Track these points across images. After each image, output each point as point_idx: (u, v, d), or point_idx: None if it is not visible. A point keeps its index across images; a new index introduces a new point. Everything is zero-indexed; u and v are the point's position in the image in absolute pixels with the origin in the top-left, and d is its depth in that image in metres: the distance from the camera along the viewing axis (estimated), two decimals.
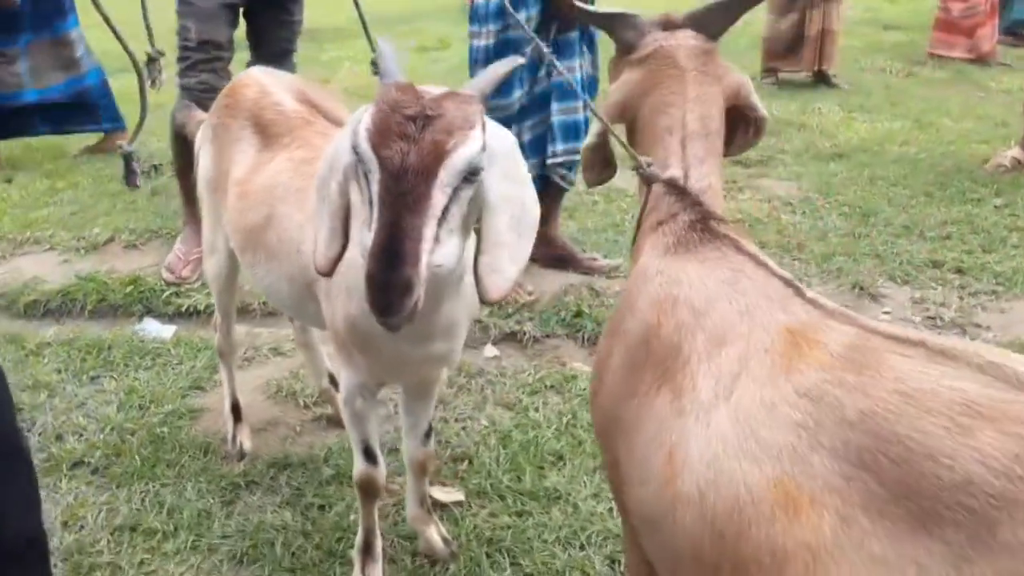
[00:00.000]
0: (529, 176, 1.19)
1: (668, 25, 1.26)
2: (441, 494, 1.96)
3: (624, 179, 3.67)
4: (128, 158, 1.86)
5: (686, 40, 1.23)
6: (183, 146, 2.57)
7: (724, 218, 1.15)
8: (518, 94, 2.69)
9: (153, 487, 1.98)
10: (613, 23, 1.25)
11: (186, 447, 2.12)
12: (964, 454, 0.72)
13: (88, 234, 3.30)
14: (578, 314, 2.73)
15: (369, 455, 1.61)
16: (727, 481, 0.85)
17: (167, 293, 2.86)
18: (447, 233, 1.04)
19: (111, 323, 2.77)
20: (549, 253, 3.04)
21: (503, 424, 2.21)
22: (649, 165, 1.18)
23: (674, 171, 1.18)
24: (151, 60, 1.89)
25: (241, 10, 2.87)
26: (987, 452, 0.72)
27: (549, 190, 2.94)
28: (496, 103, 2.58)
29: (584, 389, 2.27)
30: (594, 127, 1.26)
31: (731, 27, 1.27)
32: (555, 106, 2.76)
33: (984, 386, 0.76)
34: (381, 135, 1.01)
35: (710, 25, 1.24)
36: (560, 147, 2.78)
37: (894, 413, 0.78)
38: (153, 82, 1.89)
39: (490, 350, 2.66)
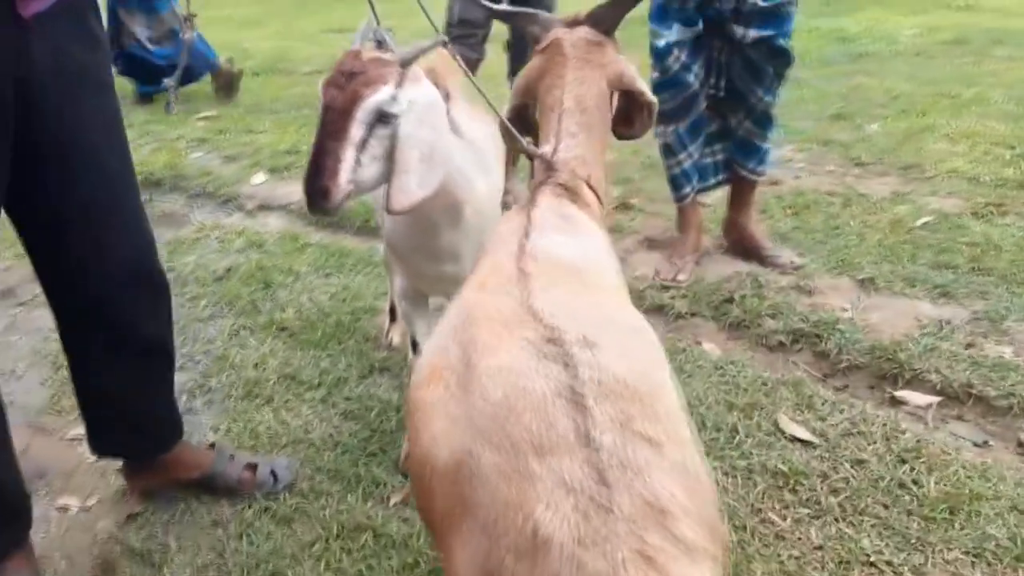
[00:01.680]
0: (444, 124, 1.52)
1: (571, 23, 1.48)
2: None
3: (866, 184, 3.60)
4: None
5: (577, 33, 1.44)
6: None
7: (573, 183, 1.35)
8: (692, 79, 2.82)
9: (320, 354, 2.63)
10: (523, 21, 1.50)
11: (356, 332, 2.74)
12: (501, 345, 0.96)
13: None
14: (729, 299, 2.83)
15: (415, 347, 2.04)
16: (424, 365, 1.14)
17: None
18: (369, 159, 1.43)
19: (364, 240, 3.52)
20: (738, 242, 3.14)
21: None
22: (529, 143, 1.45)
23: (546, 145, 1.42)
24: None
25: None
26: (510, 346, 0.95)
27: (739, 183, 3.05)
28: (664, 95, 2.79)
29: (707, 369, 2.44)
30: (506, 104, 1.53)
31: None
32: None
33: (518, 305, 1.00)
34: (325, 84, 1.43)
35: (603, 21, 1.45)
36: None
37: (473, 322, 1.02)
38: None
39: None
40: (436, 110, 1.52)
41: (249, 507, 1.99)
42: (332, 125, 1.40)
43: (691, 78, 2.77)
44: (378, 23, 1.49)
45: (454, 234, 1.75)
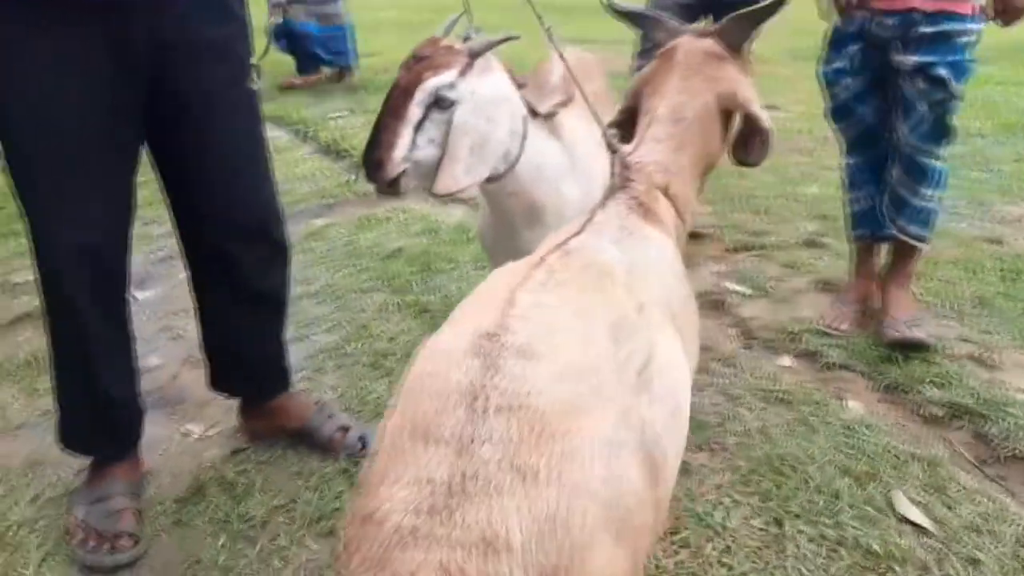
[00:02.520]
0: (504, 120, 1.50)
1: (701, 33, 1.40)
2: None
3: None
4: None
5: (699, 44, 1.38)
6: None
7: (646, 191, 1.28)
8: (864, 110, 2.55)
9: None
10: (649, 24, 1.44)
11: None
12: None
13: None
14: (890, 358, 2.54)
15: None
16: None
17: None
18: (426, 141, 1.47)
19: None
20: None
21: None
22: (614, 137, 1.39)
23: (628, 146, 1.36)
24: None
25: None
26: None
27: (896, 241, 2.69)
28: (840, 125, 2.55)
29: (835, 427, 2.22)
30: (617, 106, 1.48)
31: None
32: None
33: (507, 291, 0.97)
34: (400, 66, 1.48)
35: (730, 35, 1.36)
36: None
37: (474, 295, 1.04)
38: None
39: (786, 360, 2.68)
40: (498, 104, 1.53)
41: (331, 465, 2.10)
42: (394, 103, 1.45)
43: (863, 109, 2.52)
44: (470, 20, 1.53)
45: (532, 235, 1.74)
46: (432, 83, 1.46)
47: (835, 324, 2.74)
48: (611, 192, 1.29)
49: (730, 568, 1.77)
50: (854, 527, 1.85)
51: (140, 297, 3.07)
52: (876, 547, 1.78)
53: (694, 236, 3.49)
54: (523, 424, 0.78)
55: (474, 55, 1.49)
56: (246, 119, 1.80)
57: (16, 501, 2.02)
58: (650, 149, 1.34)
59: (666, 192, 1.32)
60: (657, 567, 1.77)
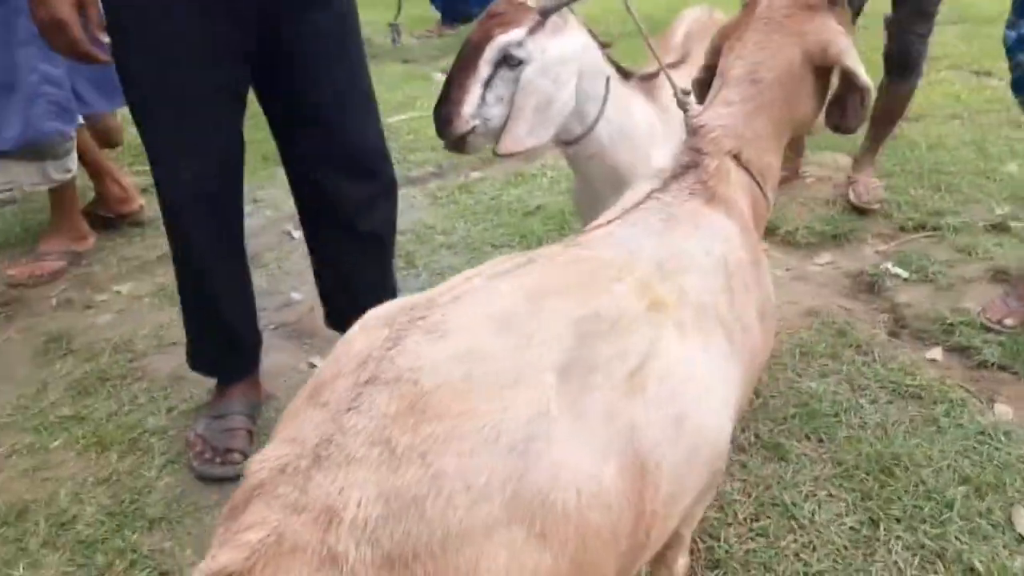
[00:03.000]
0: (571, 80, 1.43)
1: None
2: None
3: None
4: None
5: None
6: None
7: (709, 169, 1.19)
8: None
9: None
10: None
11: None
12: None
13: None
14: None
15: None
16: None
17: None
18: (495, 99, 1.44)
19: None
20: None
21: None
22: (687, 94, 1.30)
23: (697, 107, 1.27)
24: None
25: None
26: None
27: None
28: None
29: (967, 429, 2.01)
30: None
31: None
32: None
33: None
34: (476, 23, 1.47)
35: None
36: None
37: None
38: None
39: (935, 353, 2.43)
40: (567, 64, 1.47)
41: None
42: (465, 60, 1.44)
43: None
44: None
45: (608, 170, 1.68)
46: (501, 40, 1.44)
47: (999, 318, 2.45)
48: (677, 169, 1.21)
49: (807, 564, 1.66)
50: (961, 540, 1.67)
51: (296, 235, 3.29)
52: (980, 565, 1.60)
53: (860, 211, 3.24)
54: (403, 400, 0.75)
55: (545, 13, 1.45)
56: (350, 61, 1.85)
57: (154, 411, 2.26)
58: (720, 113, 1.24)
59: (738, 159, 1.23)
60: (727, 552, 1.69)
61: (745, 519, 1.78)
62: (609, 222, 1.11)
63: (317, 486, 0.70)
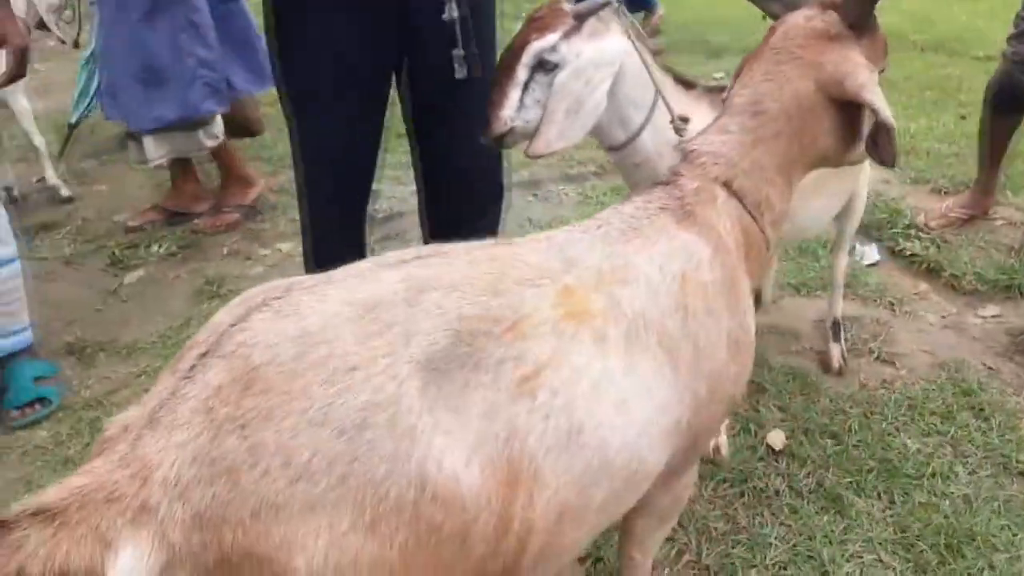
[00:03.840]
0: (603, 84, 1.40)
1: (825, 5, 1.19)
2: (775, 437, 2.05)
3: None
4: None
5: (805, 21, 1.19)
6: None
7: (687, 189, 1.15)
8: None
9: None
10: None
11: None
12: None
13: None
14: None
15: None
16: None
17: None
18: (532, 102, 1.46)
19: None
20: None
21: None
22: (684, 121, 1.26)
23: (692, 136, 1.23)
24: None
25: None
26: None
27: None
28: None
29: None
30: None
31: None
32: None
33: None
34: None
35: (851, 9, 1.14)
36: None
37: None
38: None
39: None
40: (600, 68, 1.45)
41: None
42: (505, 63, 1.47)
43: None
44: None
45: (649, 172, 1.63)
46: (535, 46, 1.46)
47: None
48: (655, 188, 1.18)
49: None
50: None
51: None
52: None
53: None
54: (231, 373, 0.78)
55: (580, 17, 1.44)
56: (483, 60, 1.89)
57: None
58: (712, 140, 1.19)
59: (728, 187, 1.17)
60: None
61: (773, 564, 1.69)
62: (565, 230, 1.11)
63: (144, 445, 0.76)
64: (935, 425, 2.10)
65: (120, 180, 4.02)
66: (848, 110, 1.20)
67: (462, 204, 2.01)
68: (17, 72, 2.11)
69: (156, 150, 3.18)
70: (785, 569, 1.68)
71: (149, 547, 0.72)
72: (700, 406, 1.08)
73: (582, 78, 1.45)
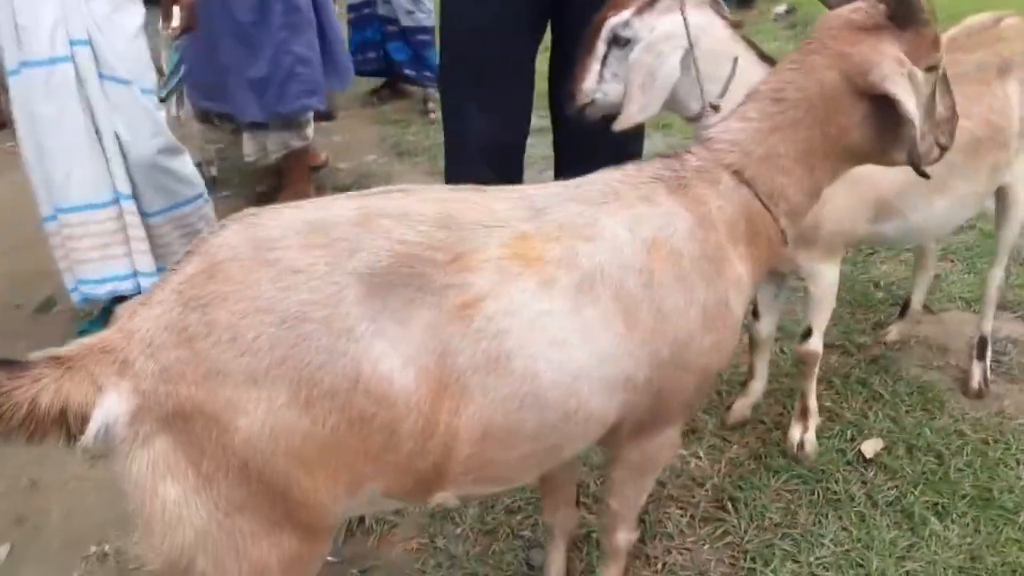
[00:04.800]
0: (675, 55, 1.44)
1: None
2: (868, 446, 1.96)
3: None
4: None
5: (851, 11, 1.20)
6: None
7: (689, 164, 1.20)
8: None
9: None
10: None
11: None
12: None
13: None
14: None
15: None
16: None
17: None
18: (611, 76, 1.53)
19: None
20: None
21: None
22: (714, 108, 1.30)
23: (715, 120, 1.26)
24: None
25: None
26: None
27: None
28: None
29: None
30: None
31: None
32: None
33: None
34: None
35: (893, 1, 1.14)
36: None
37: None
38: None
39: None
40: (671, 40, 1.47)
41: None
42: (587, 40, 1.55)
43: None
44: None
45: None
46: (611, 22, 1.51)
47: None
48: (657, 161, 1.23)
49: None
50: None
51: None
52: None
53: None
54: (200, 265, 0.96)
55: None
56: None
57: None
58: (731, 127, 1.21)
59: (740, 176, 1.19)
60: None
61: (816, 563, 1.66)
62: (547, 185, 1.18)
63: (135, 317, 0.97)
64: None
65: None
66: (887, 105, 1.17)
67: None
68: (188, 24, 2.44)
69: (250, 146, 3.30)
70: (827, 570, 1.64)
71: (127, 392, 0.93)
72: (662, 368, 1.14)
73: (653, 51, 1.50)
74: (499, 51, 1.92)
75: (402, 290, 0.99)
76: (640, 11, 1.50)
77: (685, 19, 1.41)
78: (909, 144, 1.16)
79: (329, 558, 1.72)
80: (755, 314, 1.98)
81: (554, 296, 1.06)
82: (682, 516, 1.81)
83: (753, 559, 1.68)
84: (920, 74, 1.18)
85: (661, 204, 1.15)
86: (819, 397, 2.15)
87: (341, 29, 3.47)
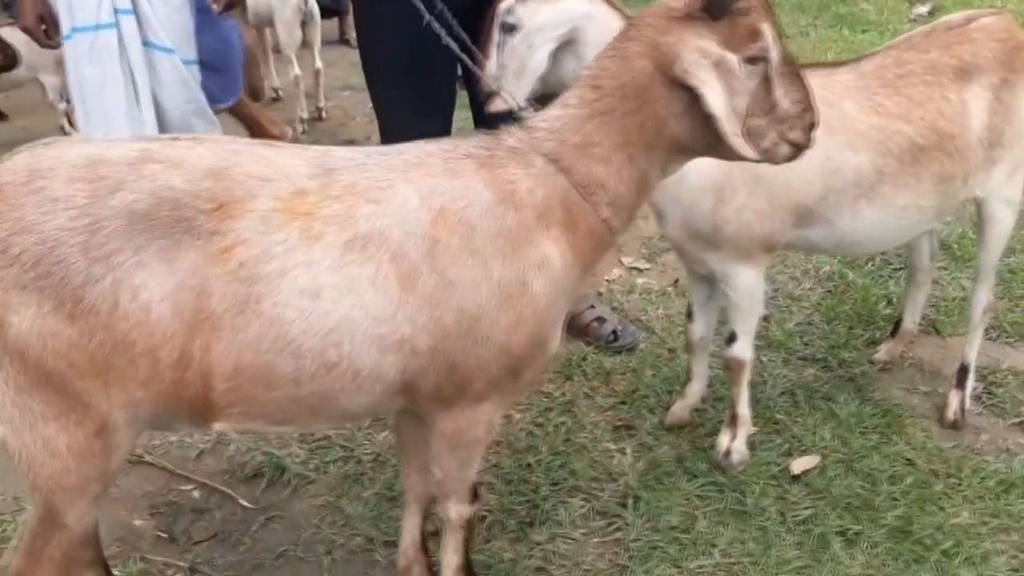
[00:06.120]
0: (541, 46, 1.45)
1: None
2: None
3: None
4: None
5: (671, 1, 1.17)
6: None
7: (504, 144, 1.21)
8: None
9: None
10: None
11: None
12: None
13: None
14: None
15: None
16: None
17: None
18: (505, 62, 1.53)
19: None
20: None
21: None
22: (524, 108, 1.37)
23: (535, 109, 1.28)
24: None
25: None
26: None
27: None
28: None
29: None
30: None
31: None
32: None
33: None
34: None
35: None
36: None
37: None
38: None
39: None
40: (544, 31, 1.47)
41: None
42: (486, 26, 1.56)
43: None
44: None
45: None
46: (500, 7, 1.50)
47: None
48: (477, 135, 1.24)
49: None
50: None
51: None
52: None
53: None
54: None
55: None
56: None
57: None
58: (551, 115, 1.21)
59: (557, 163, 1.18)
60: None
61: (696, 569, 1.61)
62: (356, 149, 1.22)
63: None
64: (1017, 512, 1.74)
65: None
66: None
67: None
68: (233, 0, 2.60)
69: None
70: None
71: None
72: (450, 338, 1.16)
73: (527, 40, 1.50)
74: (423, 53, 1.95)
75: (169, 231, 1.07)
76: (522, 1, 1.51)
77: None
78: (722, 136, 1.12)
79: (243, 502, 1.86)
80: (689, 315, 1.93)
81: (314, 250, 1.11)
82: (582, 507, 1.79)
83: (632, 557, 1.65)
84: (736, 65, 1.13)
85: (464, 178, 1.17)
86: (775, 408, 2.08)
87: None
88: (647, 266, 2.83)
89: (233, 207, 1.10)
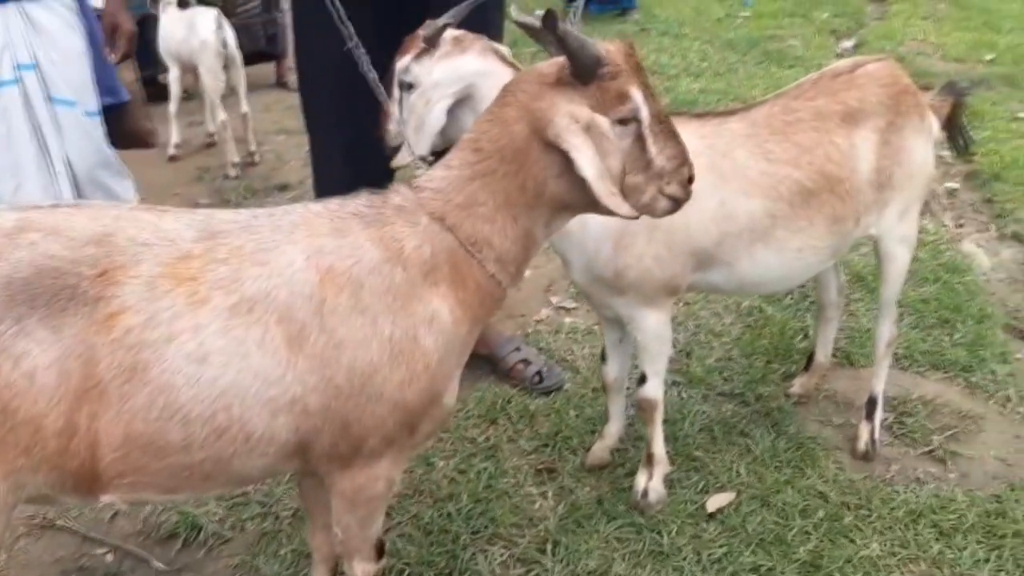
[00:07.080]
0: (438, 102, 1.48)
1: None
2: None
3: None
4: None
5: (547, 65, 1.22)
6: None
7: (391, 203, 1.23)
8: None
9: None
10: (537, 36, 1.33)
11: None
12: None
13: None
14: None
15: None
16: None
17: None
18: (406, 118, 1.56)
19: None
20: None
21: None
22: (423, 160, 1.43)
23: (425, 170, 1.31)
24: None
25: None
26: None
27: None
28: None
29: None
30: None
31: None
32: None
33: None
34: None
35: (571, 58, 1.17)
36: None
37: None
38: None
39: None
40: (439, 87, 1.51)
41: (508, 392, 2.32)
42: (387, 84, 1.59)
43: None
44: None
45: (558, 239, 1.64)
46: (397, 67, 1.54)
47: None
48: (363, 194, 1.26)
49: None
50: None
51: None
52: None
53: None
54: None
55: (428, 41, 1.48)
56: None
57: None
58: (436, 176, 1.23)
59: (443, 222, 1.21)
60: None
61: None
62: (243, 211, 1.22)
63: None
64: (925, 542, 1.79)
65: None
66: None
67: None
68: (127, 51, 2.59)
69: None
70: None
71: None
72: (342, 397, 1.16)
73: (424, 98, 1.53)
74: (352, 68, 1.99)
75: (54, 299, 1.07)
76: (419, 56, 1.53)
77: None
78: (595, 196, 1.16)
79: (158, 564, 1.82)
80: (603, 357, 1.96)
81: (200, 315, 1.10)
82: (501, 555, 1.79)
83: None
84: (607, 127, 1.17)
85: (350, 237, 1.18)
86: (693, 445, 2.11)
87: None
88: (574, 305, 2.86)
89: (117, 273, 1.09)
